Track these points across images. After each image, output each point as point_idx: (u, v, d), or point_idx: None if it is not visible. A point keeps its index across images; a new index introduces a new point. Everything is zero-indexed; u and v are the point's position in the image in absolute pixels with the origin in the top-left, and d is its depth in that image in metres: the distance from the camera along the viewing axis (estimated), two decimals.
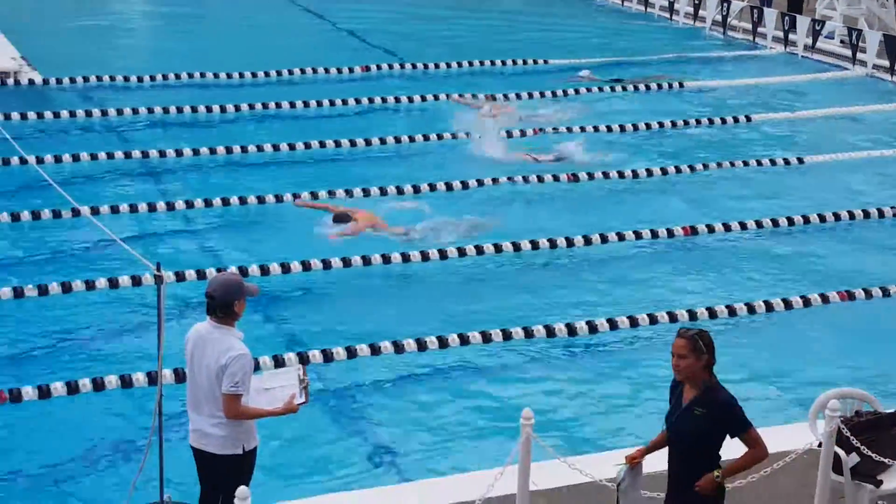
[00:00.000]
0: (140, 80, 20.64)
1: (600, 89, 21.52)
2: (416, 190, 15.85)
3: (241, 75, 21.33)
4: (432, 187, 15.93)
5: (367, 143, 17.79)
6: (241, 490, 6.73)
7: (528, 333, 11.88)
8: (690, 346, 6.88)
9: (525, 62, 23.33)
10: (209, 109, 19.08)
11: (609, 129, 19.12)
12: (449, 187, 15.99)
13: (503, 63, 23.21)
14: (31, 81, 20.02)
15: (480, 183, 16.16)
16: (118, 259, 12.77)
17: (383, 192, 15.71)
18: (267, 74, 21.45)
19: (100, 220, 13.35)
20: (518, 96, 20.64)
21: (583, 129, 18.92)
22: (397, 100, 20.04)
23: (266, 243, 14.03)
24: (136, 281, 12.52)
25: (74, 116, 18.35)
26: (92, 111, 18.58)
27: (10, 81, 19.88)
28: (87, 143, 17.08)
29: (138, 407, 10.22)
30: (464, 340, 11.69)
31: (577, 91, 21.32)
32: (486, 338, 11.76)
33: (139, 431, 9.79)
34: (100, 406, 10.37)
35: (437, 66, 22.70)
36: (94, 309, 12.19)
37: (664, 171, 17.13)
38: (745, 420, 6.92)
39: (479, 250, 13.88)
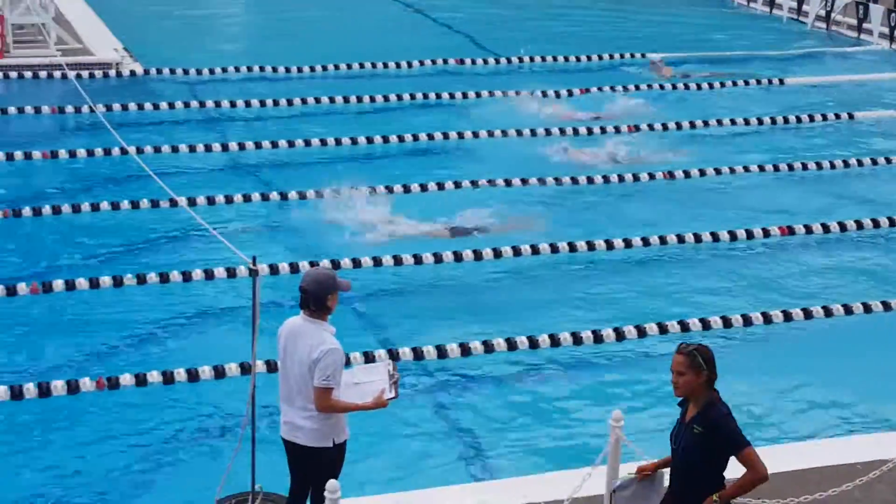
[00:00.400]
0: (237, 70, 20.86)
1: (698, 86, 21.23)
2: (508, 183, 15.82)
3: (337, 67, 21.40)
4: (507, 182, 15.82)
5: (460, 135, 17.77)
6: (331, 483, 6.79)
7: (619, 335, 11.79)
8: (689, 363, 6.70)
9: (622, 56, 23.11)
10: (304, 101, 19.18)
11: (705, 123, 18.88)
12: (525, 182, 15.85)
13: (599, 57, 23.00)
14: (133, 73, 20.37)
15: (575, 181, 16.07)
16: (214, 250, 12.94)
17: (457, 185, 15.65)
18: (362, 66, 21.50)
19: (196, 211, 13.61)
20: (612, 88, 20.46)
21: (679, 125, 18.71)
22: (491, 93, 19.98)
23: (358, 238, 14.10)
24: (231, 273, 12.68)
25: (173, 108, 18.62)
26: (190, 102, 18.85)
27: (113, 72, 20.24)
28: (186, 135, 17.34)
29: (231, 397, 10.35)
30: (554, 342, 11.63)
31: (674, 87, 21.07)
32: (577, 340, 11.69)
33: (231, 421, 9.93)
34: (194, 395, 10.54)
35: (532, 59, 22.58)
36: (189, 299, 12.37)
37: (761, 168, 16.88)
38: (739, 439, 6.64)
39: (591, 246, 13.84)
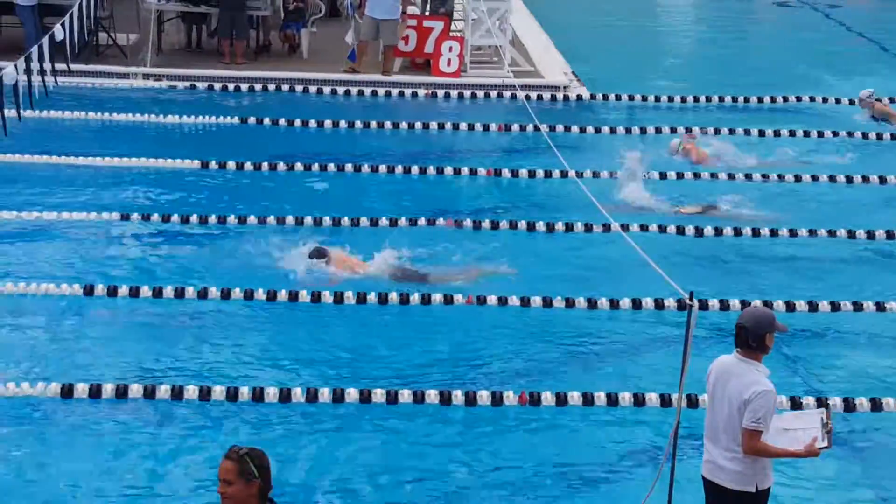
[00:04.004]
0: (683, 100, 20.70)
1: None
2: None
3: (773, 100, 20.70)
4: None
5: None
6: None
7: None
8: (238, 469, 5.89)
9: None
10: (732, 131, 18.73)
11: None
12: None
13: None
14: (579, 97, 20.74)
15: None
16: (646, 280, 12.82)
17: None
18: (799, 99, 20.76)
19: (631, 237, 13.57)
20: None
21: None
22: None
23: (800, 277, 13.60)
24: (659, 304, 12.61)
25: (615, 133, 18.78)
26: (631, 128, 18.93)
27: (560, 96, 20.72)
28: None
29: (649, 428, 10.29)
30: None
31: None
32: None
33: (649, 452, 9.83)
34: (611, 421, 10.54)
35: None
36: (616, 325, 12.39)
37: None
38: None
39: None
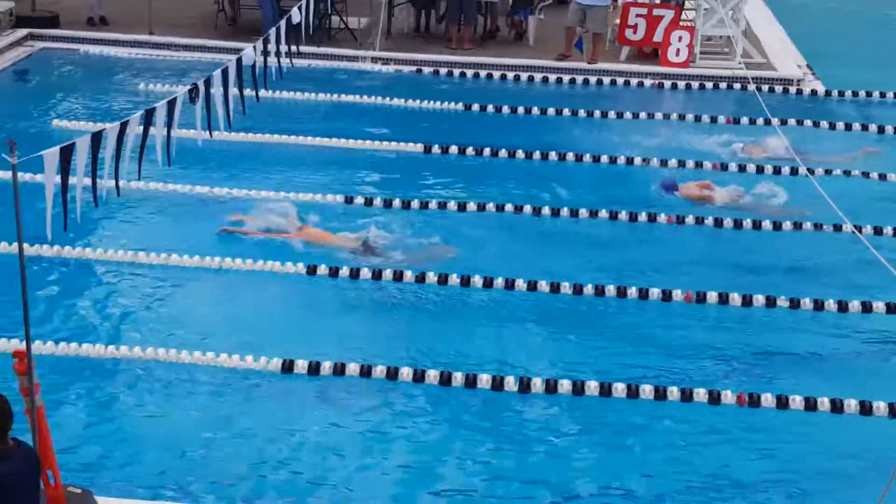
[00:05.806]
0: None
1: None
2: None
3: None
4: None
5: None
6: None
7: None
8: None
9: None
10: None
11: None
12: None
13: None
14: (814, 91, 20.01)
15: None
16: (878, 283, 12.28)
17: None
18: None
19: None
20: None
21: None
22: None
23: None
24: (892, 309, 12.09)
25: (850, 130, 18.04)
26: (868, 126, 18.14)
27: (793, 90, 20.04)
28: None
29: (876, 438, 9.90)
30: None
31: None
32: None
33: (875, 464, 9.41)
34: (835, 427, 10.16)
35: None
36: (843, 329, 11.92)
37: None
38: None
39: None
